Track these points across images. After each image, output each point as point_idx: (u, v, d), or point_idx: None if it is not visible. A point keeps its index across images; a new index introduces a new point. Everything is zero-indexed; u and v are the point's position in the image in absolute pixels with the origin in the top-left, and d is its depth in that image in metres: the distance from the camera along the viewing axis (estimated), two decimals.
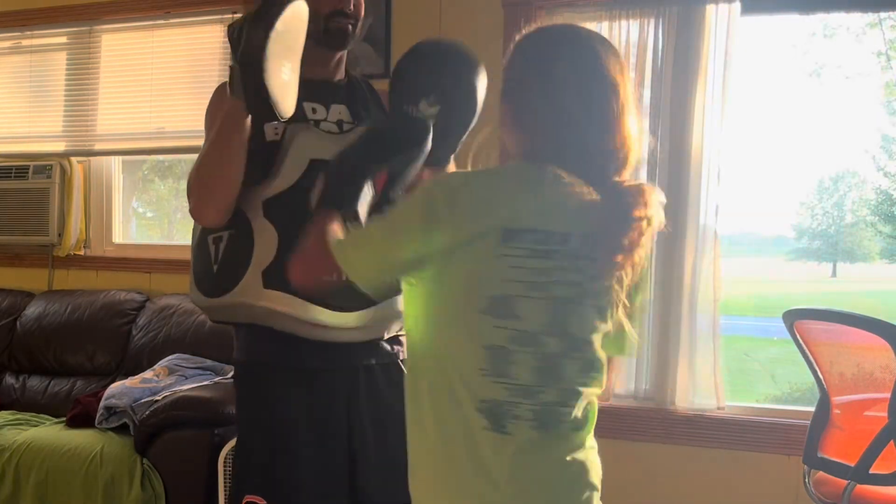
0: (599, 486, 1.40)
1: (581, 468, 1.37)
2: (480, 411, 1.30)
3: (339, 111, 1.91)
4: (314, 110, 1.89)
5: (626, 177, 1.36)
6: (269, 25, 1.59)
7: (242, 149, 1.74)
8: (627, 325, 1.41)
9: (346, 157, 1.55)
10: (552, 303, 1.31)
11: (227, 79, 1.74)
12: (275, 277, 1.75)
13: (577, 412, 1.37)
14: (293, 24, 1.67)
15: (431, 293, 1.36)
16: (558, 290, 1.31)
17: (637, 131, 1.36)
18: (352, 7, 1.87)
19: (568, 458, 1.35)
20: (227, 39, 1.69)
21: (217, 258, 1.81)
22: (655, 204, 1.35)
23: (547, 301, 1.31)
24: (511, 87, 1.40)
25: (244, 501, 1.81)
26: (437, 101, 1.76)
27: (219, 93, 1.95)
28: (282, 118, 1.69)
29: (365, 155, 1.55)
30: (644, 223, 1.33)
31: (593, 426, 1.42)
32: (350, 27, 1.88)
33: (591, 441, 1.41)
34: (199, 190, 1.79)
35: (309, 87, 1.87)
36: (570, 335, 1.34)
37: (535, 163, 1.34)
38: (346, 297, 1.76)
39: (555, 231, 1.30)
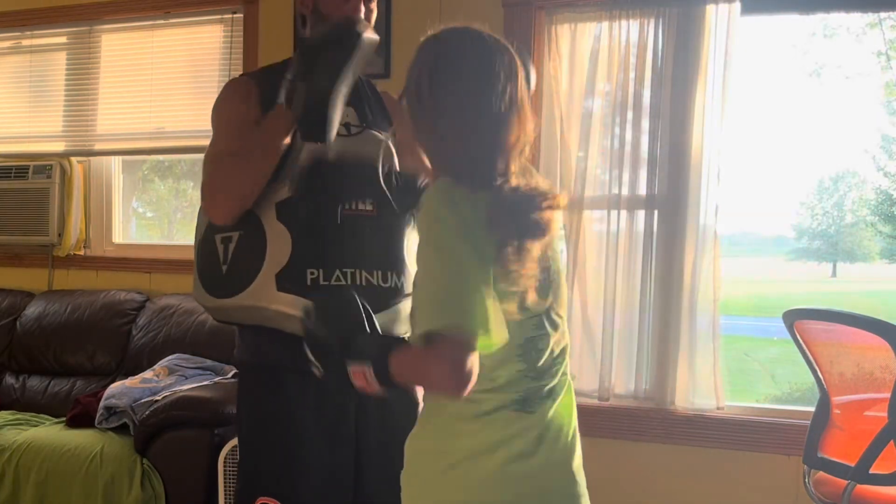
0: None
1: (576, 432, 1.47)
2: (515, 402, 1.38)
3: (347, 113, 1.91)
4: None
5: (517, 168, 1.40)
6: (345, 62, 1.65)
7: (276, 159, 1.78)
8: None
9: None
10: (550, 284, 1.42)
11: (229, 78, 1.75)
12: (288, 281, 1.76)
13: (567, 377, 1.47)
14: (363, 56, 1.72)
15: None
16: (550, 266, 1.43)
17: (524, 121, 1.39)
18: (362, 16, 1.88)
19: (572, 423, 1.46)
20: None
21: (226, 259, 1.81)
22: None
23: (544, 282, 1.41)
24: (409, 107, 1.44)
25: (257, 503, 1.81)
26: None
27: (232, 88, 1.95)
28: (325, 143, 1.74)
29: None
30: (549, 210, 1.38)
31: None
32: None
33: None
34: (224, 188, 1.78)
35: None
36: (564, 305, 1.47)
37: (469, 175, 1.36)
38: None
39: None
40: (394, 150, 1.93)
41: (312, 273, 1.77)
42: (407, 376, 1.35)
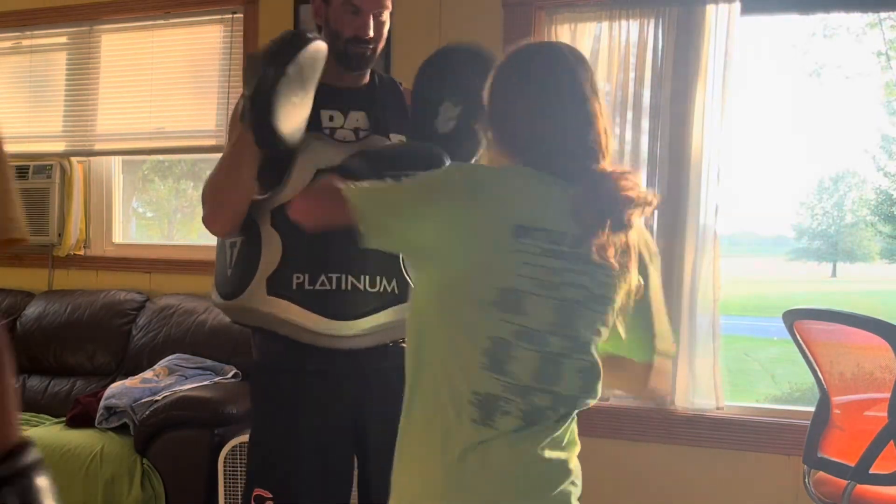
0: (580, 485, 1.41)
1: (559, 465, 1.38)
2: (472, 403, 1.33)
3: (356, 118, 1.93)
4: (331, 118, 1.92)
5: (607, 166, 1.42)
6: (281, 69, 1.66)
7: (251, 170, 1.81)
8: (626, 328, 1.44)
9: (367, 158, 1.69)
10: (561, 303, 1.34)
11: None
12: (278, 285, 1.81)
13: (565, 412, 1.39)
14: (308, 62, 1.72)
15: (438, 282, 1.38)
16: (568, 291, 1.34)
17: (608, 129, 1.44)
18: (371, 33, 1.89)
19: (546, 454, 1.37)
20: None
21: (231, 262, 1.89)
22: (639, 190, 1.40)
23: (556, 301, 1.34)
24: (495, 110, 1.46)
25: (253, 495, 1.87)
26: (460, 102, 1.83)
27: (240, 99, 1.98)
28: (287, 151, 1.76)
29: (381, 165, 1.64)
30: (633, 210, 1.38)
31: (575, 424, 1.43)
32: (369, 52, 1.91)
33: (572, 438, 1.42)
34: (208, 201, 1.88)
35: (329, 95, 1.89)
36: (575, 337, 1.37)
37: (541, 169, 1.39)
38: (344, 302, 1.80)
39: (567, 233, 1.34)
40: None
41: (298, 277, 1.81)
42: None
